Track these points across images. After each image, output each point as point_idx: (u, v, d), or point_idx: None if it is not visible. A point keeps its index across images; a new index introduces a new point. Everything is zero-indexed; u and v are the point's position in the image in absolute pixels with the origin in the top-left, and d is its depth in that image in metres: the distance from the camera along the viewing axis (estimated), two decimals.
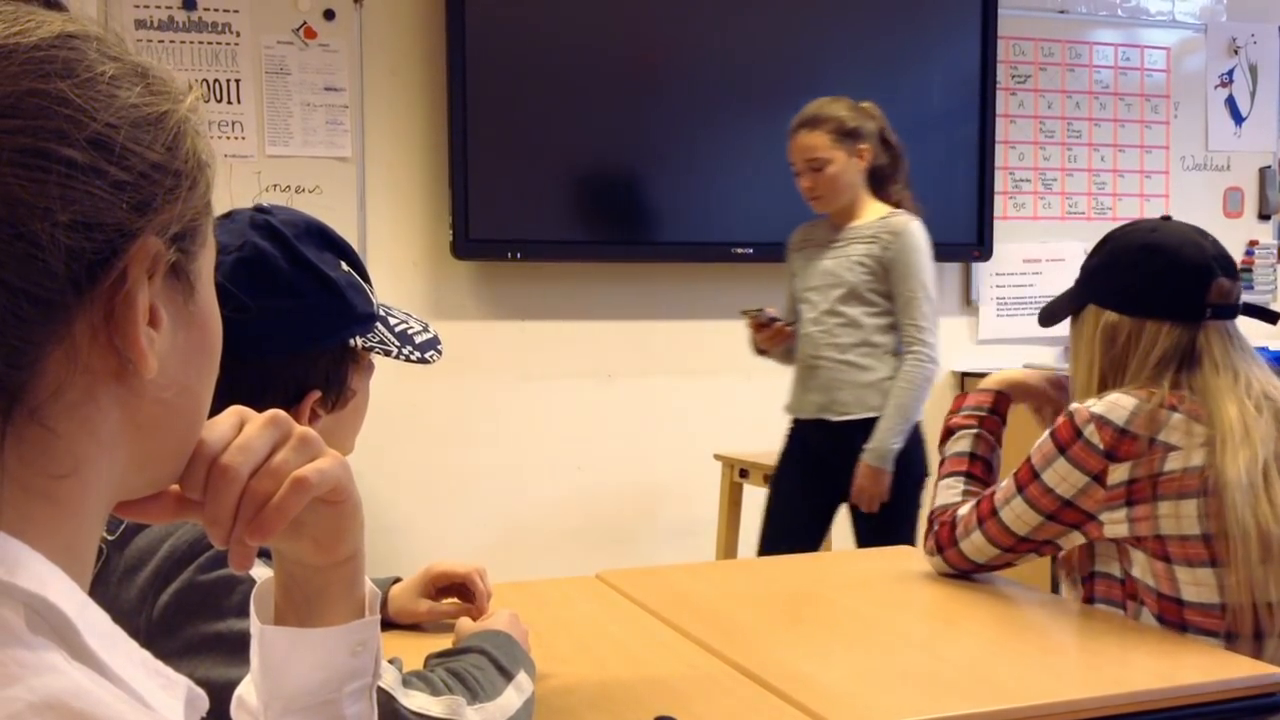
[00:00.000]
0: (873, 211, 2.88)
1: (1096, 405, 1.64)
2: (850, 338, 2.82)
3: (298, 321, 1.16)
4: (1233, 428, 1.57)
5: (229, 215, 1.19)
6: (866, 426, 2.79)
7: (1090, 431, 1.63)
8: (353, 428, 1.28)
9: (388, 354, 1.24)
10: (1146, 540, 1.60)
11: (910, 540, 2.80)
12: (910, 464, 2.82)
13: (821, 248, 2.91)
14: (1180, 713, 1.38)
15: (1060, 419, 1.68)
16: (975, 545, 1.76)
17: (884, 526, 2.79)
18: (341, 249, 1.23)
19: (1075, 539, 1.68)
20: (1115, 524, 1.62)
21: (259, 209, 1.20)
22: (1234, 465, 1.55)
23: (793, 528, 2.95)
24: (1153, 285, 1.69)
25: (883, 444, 2.76)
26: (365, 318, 1.23)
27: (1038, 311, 1.91)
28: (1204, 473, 1.57)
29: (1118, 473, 1.61)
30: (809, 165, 2.84)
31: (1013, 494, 1.71)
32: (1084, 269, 1.80)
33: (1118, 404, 1.63)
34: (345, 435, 1.26)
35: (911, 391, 2.78)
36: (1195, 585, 1.58)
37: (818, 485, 2.91)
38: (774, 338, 2.90)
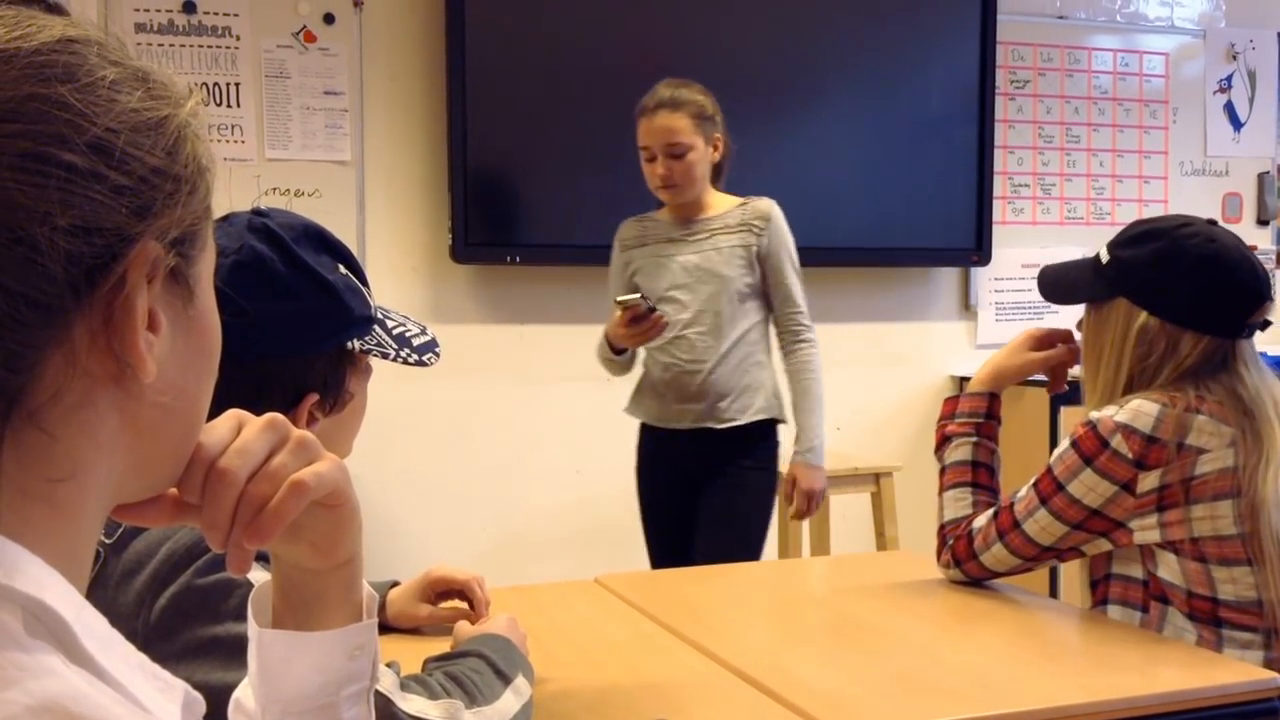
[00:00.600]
0: (723, 201, 2.72)
1: (1120, 414, 1.63)
2: (731, 340, 2.66)
3: (295, 324, 1.16)
4: (1277, 448, 1.59)
5: (226, 218, 1.19)
6: (749, 432, 2.67)
7: (1118, 441, 1.62)
8: (351, 431, 1.28)
9: (385, 357, 1.24)
10: (1181, 543, 1.60)
11: (757, 554, 2.70)
12: (764, 479, 2.72)
13: (673, 243, 2.72)
14: (1181, 717, 1.38)
15: (1081, 429, 1.66)
16: (997, 557, 1.75)
17: (735, 540, 2.66)
18: (339, 252, 1.23)
19: (1101, 545, 1.68)
20: (1146, 530, 1.62)
21: (256, 212, 1.20)
22: (1273, 484, 1.57)
23: (685, 542, 2.77)
24: (1206, 300, 1.66)
25: (816, 439, 2.68)
26: (363, 320, 1.23)
27: (1039, 275, 1.88)
28: (1236, 474, 1.58)
29: (1148, 480, 1.60)
30: (669, 150, 2.62)
31: (1036, 506, 1.69)
32: (1119, 258, 1.72)
33: (1141, 411, 1.62)
34: (343, 438, 1.26)
35: (820, 381, 2.71)
36: (1232, 584, 1.58)
37: (690, 495, 2.75)
38: (649, 332, 2.56)
